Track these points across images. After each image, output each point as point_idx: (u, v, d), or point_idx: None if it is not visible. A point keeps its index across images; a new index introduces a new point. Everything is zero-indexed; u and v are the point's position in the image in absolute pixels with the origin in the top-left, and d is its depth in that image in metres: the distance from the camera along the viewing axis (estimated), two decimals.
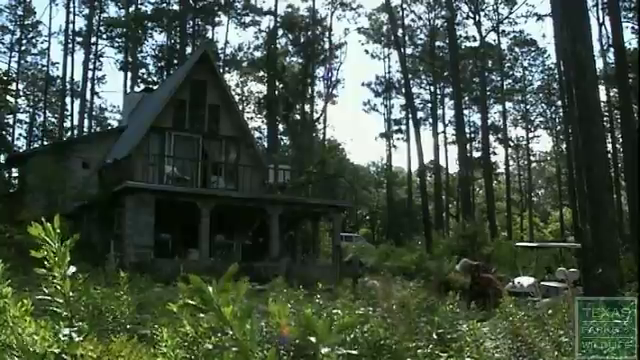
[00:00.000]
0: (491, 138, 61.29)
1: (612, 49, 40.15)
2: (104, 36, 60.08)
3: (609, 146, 40.86)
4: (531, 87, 65.94)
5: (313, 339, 1.66)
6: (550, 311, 6.41)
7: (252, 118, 62.86)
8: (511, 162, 67.21)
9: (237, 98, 53.59)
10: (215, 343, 1.94)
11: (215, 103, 29.02)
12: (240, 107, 49.66)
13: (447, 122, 64.69)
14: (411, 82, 57.97)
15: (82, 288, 2.40)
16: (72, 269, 2.21)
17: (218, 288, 1.66)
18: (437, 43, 61.03)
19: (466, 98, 59.93)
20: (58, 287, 2.22)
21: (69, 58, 57.01)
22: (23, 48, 60.89)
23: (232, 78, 62.97)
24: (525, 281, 20.25)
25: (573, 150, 35.24)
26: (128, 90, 53.15)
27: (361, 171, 72.74)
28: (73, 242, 2.22)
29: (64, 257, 2.17)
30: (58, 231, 2.19)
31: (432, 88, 65.34)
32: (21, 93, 58.63)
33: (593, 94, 21.51)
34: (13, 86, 44.88)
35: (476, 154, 62.24)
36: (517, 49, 63.36)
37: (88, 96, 58.36)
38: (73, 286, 2.27)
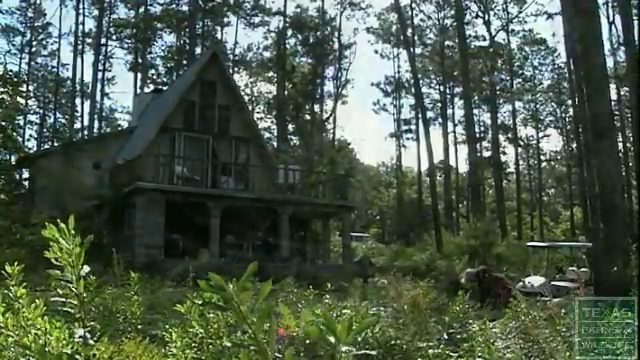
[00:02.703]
0: (501, 137, 61.19)
1: (622, 47, 39.99)
2: (114, 37, 60.44)
3: (620, 145, 40.60)
4: (541, 86, 65.79)
5: (332, 339, 1.66)
6: (563, 310, 6.37)
7: (262, 118, 63.08)
8: (521, 161, 66.94)
9: (247, 98, 53.68)
10: (233, 341, 1.96)
11: (225, 103, 29.07)
12: (250, 107, 49.70)
13: (457, 122, 64.73)
14: (421, 82, 57.84)
15: (94, 289, 2.41)
16: (86, 269, 2.22)
17: (238, 287, 1.68)
18: (446, 42, 60.95)
19: (476, 97, 59.75)
20: (72, 288, 2.23)
21: (79, 59, 57.10)
22: (33, 50, 61.40)
23: (241, 78, 63.16)
24: (536, 281, 20.16)
25: (584, 149, 35.17)
26: (138, 91, 53.41)
27: (371, 171, 72.84)
28: (88, 243, 2.23)
29: (79, 258, 2.17)
30: (73, 232, 2.20)
31: (442, 88, 65.31)
32: (31, 94, 59.05)
33: (603, 93, 21.46)
34: (24, 87, 45.05)
35: (486, 154, 62.09)
36: (527, 48, 63.26)
37: (98, 97, 58.78)
38: (86, 287, 2.28)
